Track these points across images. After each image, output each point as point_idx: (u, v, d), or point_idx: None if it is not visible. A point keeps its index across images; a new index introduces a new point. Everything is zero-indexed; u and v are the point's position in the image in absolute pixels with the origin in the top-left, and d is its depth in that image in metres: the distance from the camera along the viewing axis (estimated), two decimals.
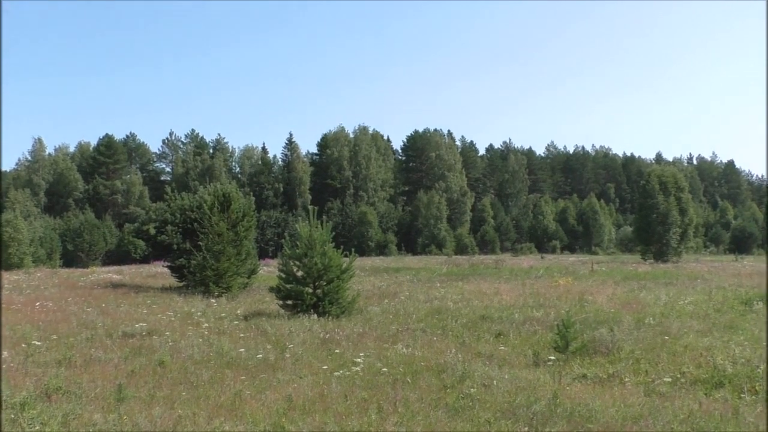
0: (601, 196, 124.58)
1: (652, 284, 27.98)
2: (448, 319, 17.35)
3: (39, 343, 13.54)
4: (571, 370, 11.06)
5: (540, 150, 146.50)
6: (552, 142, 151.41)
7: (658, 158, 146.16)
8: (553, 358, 11.86)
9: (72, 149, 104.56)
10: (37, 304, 22.10)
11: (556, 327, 12.90)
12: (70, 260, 70.72)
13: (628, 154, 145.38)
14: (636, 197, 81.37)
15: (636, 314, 17.63)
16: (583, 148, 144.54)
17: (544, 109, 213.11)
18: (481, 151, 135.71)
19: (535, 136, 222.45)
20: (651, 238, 60.26)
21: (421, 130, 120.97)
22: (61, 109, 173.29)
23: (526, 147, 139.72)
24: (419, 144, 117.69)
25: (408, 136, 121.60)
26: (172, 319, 18.28)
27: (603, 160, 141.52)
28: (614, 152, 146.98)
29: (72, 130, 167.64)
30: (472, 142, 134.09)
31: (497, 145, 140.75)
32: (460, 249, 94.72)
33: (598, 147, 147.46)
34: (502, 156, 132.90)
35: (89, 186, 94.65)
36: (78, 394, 9.29)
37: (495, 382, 9.97)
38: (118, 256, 77.98)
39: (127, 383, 9.91)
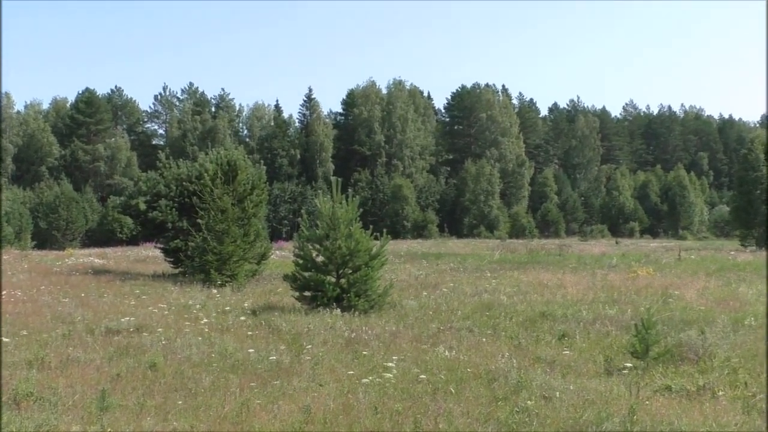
0: (692, 167, 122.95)
1: (754, 277, 27.53)
2: (500, 317, 17.27)
3: (7, 340, 13.73)
4: (652, 381, 10.94)
5: (616, 111, 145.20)
6: (631, 101, 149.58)
7: (765, 122, 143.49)
8: (629, 365, 11.74)
9: (45, 106, 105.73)
10: (4, 292, 22.33)
11: (633, 327, 12.75)
12: (43, 241, 71.54)
13: (726, 116, 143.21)
14: (735, 169, 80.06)
15: (733, 313, 17.36)
16: (669, 108, 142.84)
17: (621, 59, 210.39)
18: (543, 112, 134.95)
19: (610, 94, 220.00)
20: (753, 219, 59.28)
21: (469, 85, 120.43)
22: (33, 57, 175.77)
23: (599, 107, 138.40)
24: (467, 102, 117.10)
25: (453, 93, 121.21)
26: (166, 312, 18.42)
27: (694, 123, 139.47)
28: (708, 114, 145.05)
29: (45, 84, 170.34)
30: (531, 100, 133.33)
31: (563, 104, 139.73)
32: (516, 231, 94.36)
33: (687, 107, 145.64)
34: (568, 118, 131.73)
35: (66, 151, 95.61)
36: (53, 401, 9.38)
37: (557, 393, 9.88)
38: (100, 236, 78.73)
39: (111, 389, 10.00)
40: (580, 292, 22.64)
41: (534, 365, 12.04)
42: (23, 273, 30.62)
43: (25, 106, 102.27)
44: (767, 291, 21.97)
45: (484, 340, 14.44)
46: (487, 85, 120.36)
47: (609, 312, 17.81)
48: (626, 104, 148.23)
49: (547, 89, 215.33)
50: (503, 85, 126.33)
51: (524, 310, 18.35)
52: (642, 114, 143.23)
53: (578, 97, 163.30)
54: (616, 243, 70.29)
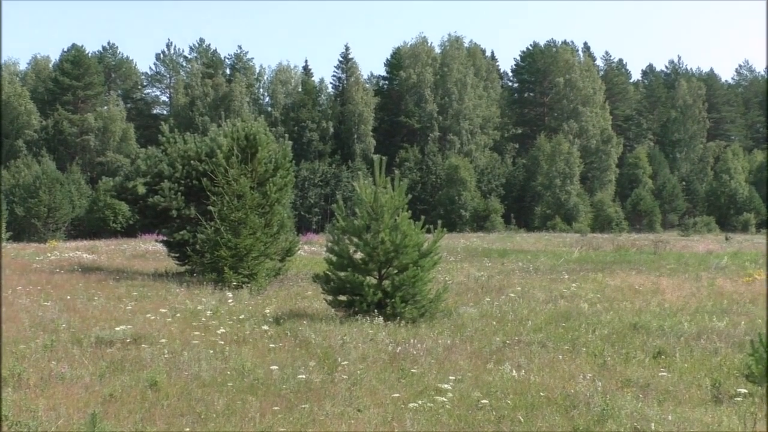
0: None
1: None
2: (580, 329, 17.19)
3: None
4: None
5: (727, 74, 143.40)
6: (746, 62, 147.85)
7: None
8: (743, 391, 11.58)
9: (23, 67, 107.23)
10: None
11: (749, 344, 12.56)
12: (20, 231, 72.30)
13: None
14: None
15: None
16: None
17: (734, 9, 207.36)
18: (635, 76, 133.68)
19: (718, 53, 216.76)
20: None
21: (542, 42, 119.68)
22: (8, 5, 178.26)
23: (705, 69, 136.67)
24: (540, 64, 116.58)
25: (523, 53, 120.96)
26: (169, 320, 18.57)
27: None
28: None
29: (23, 39, 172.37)
30: (620, 61, 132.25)
31: (660, 66, 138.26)
32: (600, 224, 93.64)
33: None
34: (666, 83, 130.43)
35: (48, 121, 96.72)
36: (32, 427, 9.47)
37: (652, 425, 9.81)
38: (90, 226, 79.63)
39: (103, 413, 10.08)
40: (680, 299, 22.48)
41: (623, 389, 11.94)
42: None
43: None
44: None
45: (560, 357, 14.36)
46: (565, 42, 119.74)
47: (717, 325, 17.62)
48: (740, 66, 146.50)
49: (640, 47, 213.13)
50: (585, 43, 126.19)
51: (610, 321, 18.25)
52: (760, 78, 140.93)
53: (679, 58, 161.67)
54: (726, 239, 69.36)
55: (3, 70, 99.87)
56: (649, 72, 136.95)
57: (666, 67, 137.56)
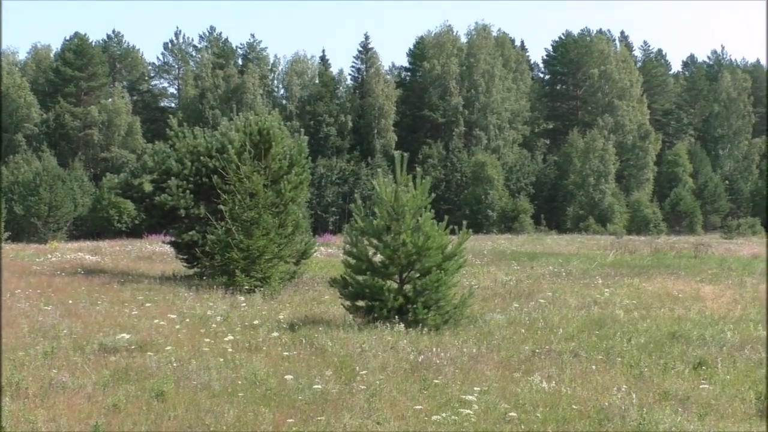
0: None
1: None
2: (615, 337, 17.16)
3: None
4: None
5: None
6: None
7: None
8: None
9: (22, 57, 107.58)
10: None
11: None
12: (19, 231, 72.17)
13: None
14: None
15: None
16: None
17: None
18: (675, 67, 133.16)
19: (764, 43, 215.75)
20: None
21: (576, 31, 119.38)
22: None
23: (750, 60, 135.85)
24: (573, 54, 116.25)
25: (555, 42, 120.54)
26: (177, 326, 18.62)
27: None
28: None
29: (23, 27, 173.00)
30: (659, 51, 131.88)
31: (701, 57, 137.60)
32: (637, 225, 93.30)
33: None
34: (709, 75, 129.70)
35: (49, 114, 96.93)
36: None
37: None
38: (93, 226, 79.84)
39: (106, 424, 10.12)
40: (723, 306, 22.41)
41: (660, 402, 11.91)
42: None
43: None
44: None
45: (593, 367, 14.33)
46: (600, 31, 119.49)
47: (762, 334, 17.56)
48: None
49: (680, 37, 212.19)
50: (622, 32, 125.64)
51: (647, 330, 18.22)
52: None
53: (723, 48, 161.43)
54: None
55: (2, 60, 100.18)
56: (690, 63, 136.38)
57: (708, 57, 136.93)
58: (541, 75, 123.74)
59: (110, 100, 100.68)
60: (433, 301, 19.03)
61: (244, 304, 22.68)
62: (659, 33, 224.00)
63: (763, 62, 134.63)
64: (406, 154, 20.85)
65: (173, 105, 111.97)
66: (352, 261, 19.98)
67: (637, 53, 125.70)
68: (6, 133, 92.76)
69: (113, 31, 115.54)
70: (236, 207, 27.20)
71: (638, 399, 11.82)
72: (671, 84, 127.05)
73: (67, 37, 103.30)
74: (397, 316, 18.65)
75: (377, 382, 12.68)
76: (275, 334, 17.44)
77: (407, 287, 19.32)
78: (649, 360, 14.95)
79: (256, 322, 19.26)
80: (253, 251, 26.83)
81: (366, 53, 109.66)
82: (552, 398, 11.96)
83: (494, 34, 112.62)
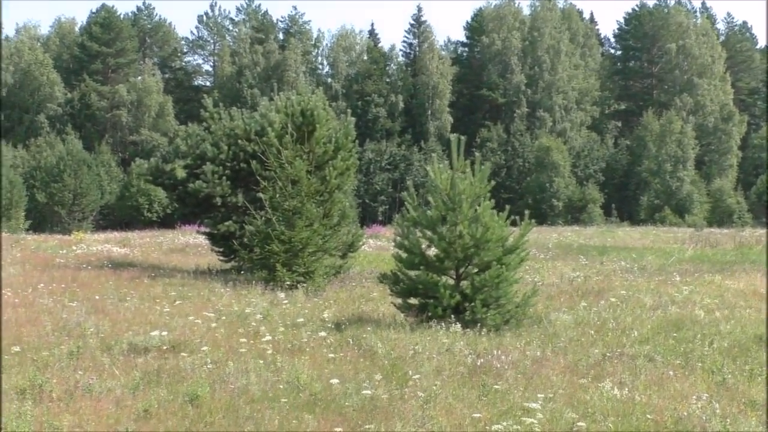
0: None
1: None
2: (695, 340, 16.99)
3: None
4: None
5: None
6: None
7: None
8: None
9: (45, 31, 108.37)
10: None
11: None
12: (41, 220, 73.29)
13: None
14: None
15: None
16: None
17: None
18: (762, 42, 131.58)
19: None
20: None
21: (651, 2, 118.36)
22: None
23: None
24: (647, 28, 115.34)
25: (627, 14, 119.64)
26: (213, 324, 18.68)
27: None
28: None
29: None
30: (744, 24, 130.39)
31: None
32: (719, 216, 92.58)
33: None
34: None
35: (74, 94, 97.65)
36: None
37: None
38: (121, 215, 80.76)
39: (136, 431, 10.21)
40: None
41: (746, 412, 11.81)
42: (14, 265, 31.29)
43: (17, 30, 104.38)
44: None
45: (671, 373, 14.23)
46: (678, 2, 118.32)
47: None
48: None
49: None
50: (703, 2, 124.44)
51: (731, 332, 18.04)
52: None
53: None
54: None
55: (23, 34, 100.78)
56: None
57: None
58: (612, 51, 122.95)
59: (140, 78, 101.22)
60: (492, 298, 18.97)
61: (286, 302, 22.74)
62: (744, 4, 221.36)
63: None
64: (462, 138, 20.71)
65: (208, 84, 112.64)
66: (404, 254, 19.98)
67: (720, 26, 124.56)
68: (27, 114, 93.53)
69: (143, 3, 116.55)
70: (277, 195, 27.22)
71: (721, 409, 11.69)
72: (758, 60, 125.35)
73: (94, 10, 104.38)
74: (453, 315, 18.59)
75: (432, 387, 12.64)
76: (319, 334, 17.42)
77: (464, 283, 19.29)
78: (732, 366, 14.78)
79: (299, 320, 19.31)
80: (295, 243, 26.83)
81: (419, 27, 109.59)
82: (624, 407, 11.88)
83: (560, 5, 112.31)
